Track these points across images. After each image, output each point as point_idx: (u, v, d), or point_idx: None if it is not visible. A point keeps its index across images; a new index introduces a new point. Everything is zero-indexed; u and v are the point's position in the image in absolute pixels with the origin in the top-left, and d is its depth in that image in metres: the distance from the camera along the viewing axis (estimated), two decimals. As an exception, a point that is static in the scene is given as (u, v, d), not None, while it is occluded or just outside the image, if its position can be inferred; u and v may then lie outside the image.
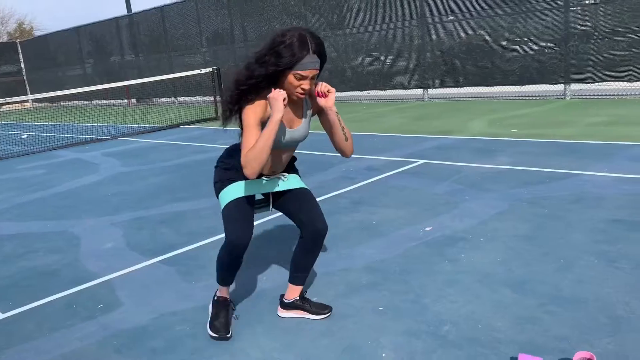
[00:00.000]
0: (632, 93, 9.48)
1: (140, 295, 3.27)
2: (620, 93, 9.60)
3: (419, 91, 12.37)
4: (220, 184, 2.59)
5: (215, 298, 2.78)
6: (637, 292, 2.69)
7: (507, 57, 10.87)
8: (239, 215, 2.48)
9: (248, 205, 2.54)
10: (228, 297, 2.77)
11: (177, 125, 12.13)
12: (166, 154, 8.54)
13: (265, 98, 2.30)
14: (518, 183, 4.82)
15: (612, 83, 9.62)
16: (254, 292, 3.16)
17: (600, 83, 9.73)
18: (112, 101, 21.73)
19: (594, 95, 9.88)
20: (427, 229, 3.91)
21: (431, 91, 12.24)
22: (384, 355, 2.39)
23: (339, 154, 2.59)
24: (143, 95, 20.23)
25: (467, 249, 3.47)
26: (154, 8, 19.21)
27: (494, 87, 10.94)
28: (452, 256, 3.39)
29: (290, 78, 2.25)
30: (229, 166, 2.57)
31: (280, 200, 2.65)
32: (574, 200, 4.20)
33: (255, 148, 2.20)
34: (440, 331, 2.53)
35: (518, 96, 10.81)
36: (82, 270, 3.80)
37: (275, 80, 2.29)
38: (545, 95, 10.51)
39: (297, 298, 2.75)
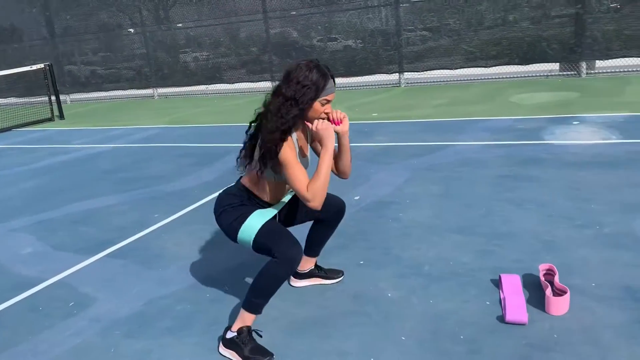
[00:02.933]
0: (455, 79, 11.05)
1: (111, 288, 3.19)
2: (444, 80, 11.11)
3: (267, 84, 12.81)
4: (237, 221, 2.44)
5: (237, 334, 2.39)
6: (550, 224, 3.46)
7: (349, 50, 11.83)
8: (280, 230, 2.42)
9: (277, 222, 2.56)
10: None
11: (9, 129, 10.89)
12: (19, 158, 7.74)
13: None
14: (407, 156, 5.52)
15: (438, 71, 11.10)
16: (244, 267, 3.31)
17: (429, 72, 11.15)
18: None
19: (423, 82, 11.29)
20: (356, 198, 4.36)
21: (278, 83, 12.74)
22: (389, 295, 2.78)
23: (338, 175, 2.65)
24: None
25: (401, 209, 4.00)
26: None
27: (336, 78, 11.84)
28: (392, 216, 3.89)
29: (316, 105, 2.36)
30: (234, 204, 2.51)
31: (287, 215, 2.72)
32: (461, 164, 5.00)
33: (320, 180, 2.29)
34: (423, 271, 3.00)
35: (355, 86, 11.82)
36: (16, 276, 3.51)
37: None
38: (382, 85, 11.68)
39: (313, 267, 2.97)
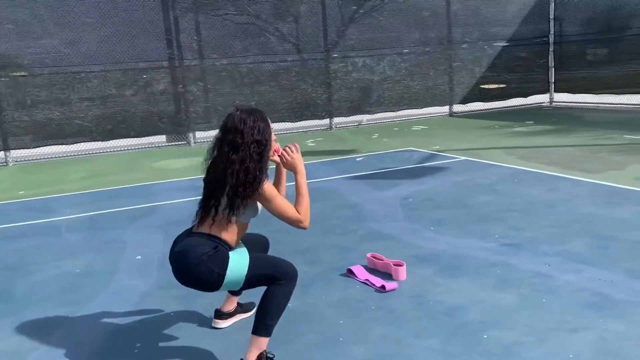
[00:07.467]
0: (72, 154, 10.75)
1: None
2: (57, 156, 10.63)
3: None
4: (220, 267, 2.49)
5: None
6: (333, 237, 4.58)
7: None
8: (266, 256, 2.79)
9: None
10: None
11: None
12: None
13: None
14: (126, 220, 5.52)
15: (51, 147, 10.59)
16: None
17: (40, 148, 10.53)
18: None
19: (35, 160, 10.55)
20: (138, 257, 4.41)
21: None
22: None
23: None
24: None
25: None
26: None
27: None
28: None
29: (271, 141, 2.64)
30: (208, 252, 2.50)
31: None
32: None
33: (305, 200, 2.64)
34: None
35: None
36: None
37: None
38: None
39: (236, 305, 3.14)
